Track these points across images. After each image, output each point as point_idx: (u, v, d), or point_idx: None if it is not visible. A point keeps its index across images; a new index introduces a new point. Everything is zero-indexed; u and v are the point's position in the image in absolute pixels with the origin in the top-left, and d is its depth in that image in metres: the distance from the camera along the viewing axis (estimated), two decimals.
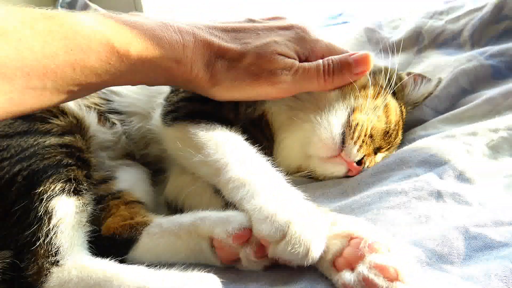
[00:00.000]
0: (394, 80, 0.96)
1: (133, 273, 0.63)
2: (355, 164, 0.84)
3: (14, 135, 0.76)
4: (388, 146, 0.91)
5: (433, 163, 0.77)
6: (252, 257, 0.64)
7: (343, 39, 1.41)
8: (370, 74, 0.95)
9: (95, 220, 0.77)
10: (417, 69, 1.20)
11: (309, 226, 0.60)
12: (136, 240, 0.74)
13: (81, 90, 0.67)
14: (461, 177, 0.74)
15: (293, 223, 0.59)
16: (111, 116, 1.00)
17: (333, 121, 0.84)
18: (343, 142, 0.83)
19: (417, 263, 0.57)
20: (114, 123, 0.99)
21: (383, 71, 0.97)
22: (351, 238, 0.59)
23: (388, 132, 0.90)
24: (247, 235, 0.64)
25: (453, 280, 0.54)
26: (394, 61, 1.08)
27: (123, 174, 0.94)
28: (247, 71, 0.77)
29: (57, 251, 0.66)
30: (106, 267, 0.65)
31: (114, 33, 0.66)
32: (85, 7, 1.53)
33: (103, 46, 0.64)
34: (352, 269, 0.56)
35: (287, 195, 0.67)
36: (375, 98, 0.90)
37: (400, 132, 0.95)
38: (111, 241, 0.75)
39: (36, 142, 0.75)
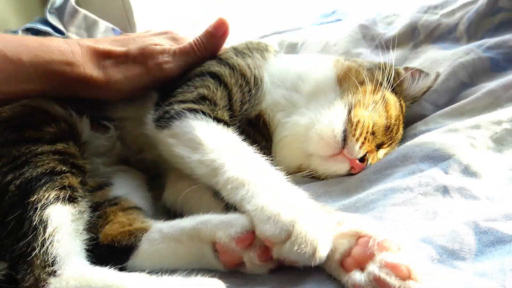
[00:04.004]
0: (392, 75, 0.95)
1: (134, 281, 0.61)
2: (357, 161, 0.82)
3: (5, 143, 0.74)
4: (390, 142, 0.90)
5: (437, 158, 0.76)
6: (256, 261, 0.62)
7: (337, 36, 1.40)
8: (366, 70, 0.94)
9: (93, 228, 0.75)
10: (414, 64, 1.18)
11: (314, 224, 0.58)
12: (136, 247, 0.71)
13: None
14: (467, 171, 0.72)
15: (298, 222, 0.57)
16: (104, 121, 0.97)
17: (333, 119, 0.82)
18: (344, 139, 0.82)
19: (428, 261, 0.56)
20: (108, 128, 0.97)
21: (380, 67, 0.96)
22: (359, 237, 0.58)
23: (389, 127, 0.89)
24: (250, 238, 0.62)
25: (467, 277, 0.52)
26: (390, 57, 1.07)
27: (119, 180, 0.91)
28: (135, 63, 0.90)
29: (54, 260, 0.63)
30: (106, 275, 0.62)
31: (5, 45, 0.76)
32: (74, 12, 1.50)
33: None
34: (362, 269, 0.54)
35: (289, 194, 0.64)
36: (374, 94, 0.89)
37: (401, 127, 0.94)
38: (110, 248, 0.73)
39: (28, 150, 0.73)
